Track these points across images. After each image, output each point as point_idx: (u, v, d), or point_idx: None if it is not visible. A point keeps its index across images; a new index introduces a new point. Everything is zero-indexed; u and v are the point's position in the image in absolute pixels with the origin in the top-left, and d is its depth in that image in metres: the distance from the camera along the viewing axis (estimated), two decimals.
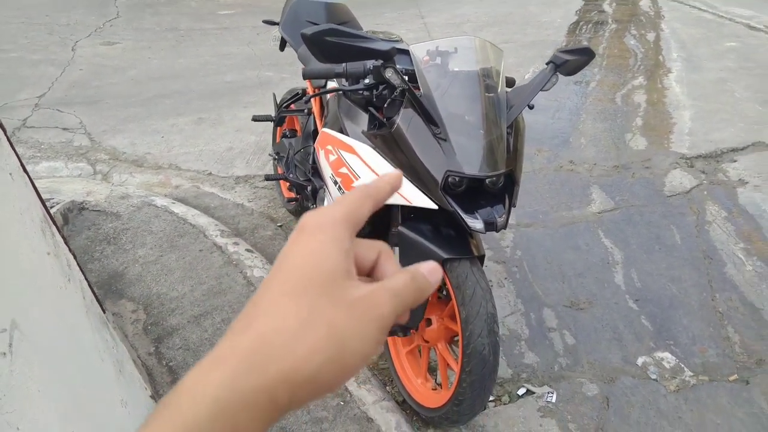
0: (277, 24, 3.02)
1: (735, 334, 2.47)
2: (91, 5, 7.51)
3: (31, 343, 1.13)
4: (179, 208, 3.32)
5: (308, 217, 0.37)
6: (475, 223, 1.72)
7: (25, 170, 1.54)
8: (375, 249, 0.40)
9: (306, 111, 2.89)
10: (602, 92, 5.05)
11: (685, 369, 2.32)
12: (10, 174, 1.39)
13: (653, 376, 2.29)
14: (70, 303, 1.51)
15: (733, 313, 2.57)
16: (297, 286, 0.33)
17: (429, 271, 0.38)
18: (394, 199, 1.83)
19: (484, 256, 1.92)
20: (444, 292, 2.04)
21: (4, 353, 1.02)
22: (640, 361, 2.36)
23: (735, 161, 3.80)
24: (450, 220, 1.88)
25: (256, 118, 3.18)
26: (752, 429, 2.07)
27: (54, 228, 1.62)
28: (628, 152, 3.99)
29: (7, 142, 1.46)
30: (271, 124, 3.43)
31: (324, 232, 0.35)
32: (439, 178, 1.70)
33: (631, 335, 2.47)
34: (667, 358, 2.37)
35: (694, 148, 4.00)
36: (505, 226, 1.76)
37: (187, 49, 6.26)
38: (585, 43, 2.02)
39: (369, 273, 0.40)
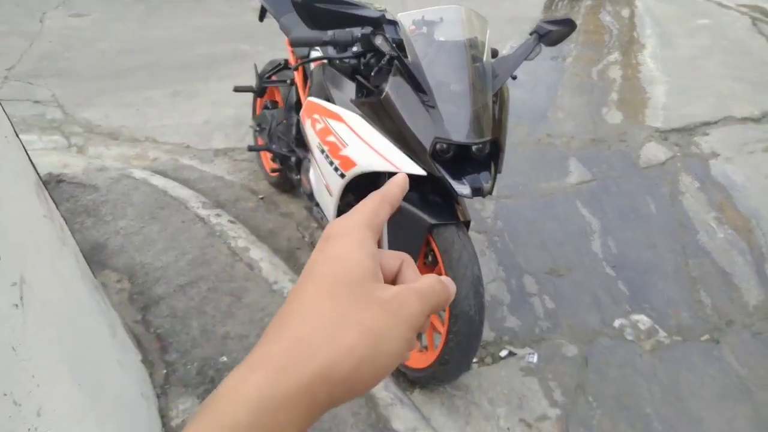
0: None
1: (707, 297, 2.58)
2: None
3: (38, 298, 1.14)
4: (158, 181, 3.30)
5: (332, 226, 0.38)
6: (463, 188, 1.77)
7: (17, 134, 1.53)
8: (398, 258, 0.41)
9: (288, 82, 2.88)
10: (579, 68, 5.12)
11: (660, 330, 2.42)
12: (6, 137, 1.39)
13: (629, 337, 2.38)
14: (67, 265, 1.52)
15: (706, 278, 2.68)
16: (330, 290, 0.34)
17: (448, 280, 0.40)
18: (383, 167, 1.86)
19: (469, 221, 1.97)
20: (430, 258, 2.09)
21: (16, 305, 1.04)
22: (617, 323, 2.45)
23: (707, 134, 3.91)
24: (436, 187, 1.92)
25: (237, 89, 3.16)
26: (721, 383, 2.18)
27: (46, 192, 1.62)
28: (604, 126, 4.07)
29: (0, 107, 1.45)
30: (249, 97, 3.41)
31: (350, 238, 0.37)
32: (428, 144, 1.73)
33: (608, 299, 2.57)
34: (643, 320, 2.46)
35: (668, 122, 4.10)
36: (491, 192, 1.81)
37: (158, 21, 6.13)
38: (567, 16, 2.07)
39: (392, 282, 0.41)
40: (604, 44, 5.65)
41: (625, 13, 6.62)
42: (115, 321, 1.98)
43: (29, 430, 1.04)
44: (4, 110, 1.48)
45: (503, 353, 2.32)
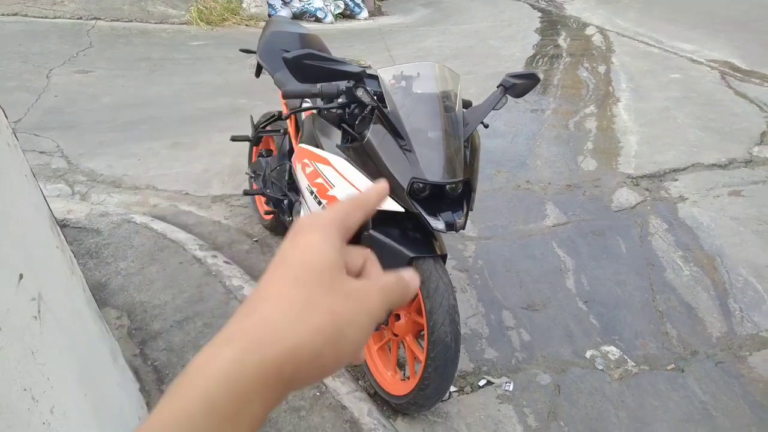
0: (254, 52, 3.25)
1: (673, 329, 2.74)
2: (64, 35, 7.62)
3: (52, 314, 1.31)
4: (158, 225, 3.47)
5: (303, 219, 0.40)
6: (437, 223, 1.95)
7: (34, 175, 1.73)
8: (361, 255, 0.43)
9: (282, 131, 3.11)
10: (557, 119, 5.40)
11: (628, 360, 2.57)
12: (25, 176, 1.58)
13: (600, 367, 2.53)
14: (76, 292, 1.68)
15: (672, 312, 2.85)
16: (298, 276, 0.36)
17: (410, 276, 0.43)
18: None
19: (446, 255, 2.14)
20: None
21: (35, 317, 1.21)
22: (588, 354, 2.60)
23: (676, 180, 4.14)
24: (416, 224, 2.11)
25: (234, 138, 3.38)
26: (685, 409, 2.32)
27: (58, 228, 1.80)
28: (579, 173, 4.31)
29: (20, 150, 1.65)
30: (245, 147, 3.64)
31: (318, 232, 0.39)
32: (405, 184, 1.92)
33: (580, 332, 2.72)
34: (612, 351, 2.62)
35: (639, 168, 4.34)
36: (463, 227, 1.99)
37: (160, 78, 6.43)
38: (532, 70, 2.30)
39: (356, 277, 0.42)
40: (581, 98, 5.95)
41: (602, 69, 6.98)
42: (116, 349, 2.12)
43: (43, 423, 1.18)
44: (23, 153, 1.68)
45: (481, 382, 2.45)
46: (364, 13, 10.58)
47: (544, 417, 2.29)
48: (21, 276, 1.22)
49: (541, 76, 6.62)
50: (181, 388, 0.31)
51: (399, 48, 8.06)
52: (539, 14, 10.98)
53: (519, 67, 7.08)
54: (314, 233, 0.39)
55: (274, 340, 0.33)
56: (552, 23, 10.06)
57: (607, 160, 4.50)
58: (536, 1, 12.52)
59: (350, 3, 10.40)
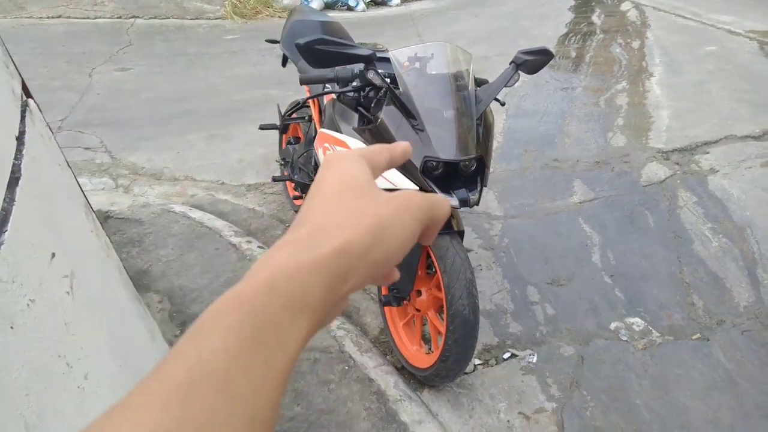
0: (278, 42, 3.34)
1: (699, 300, 2.74)
2: (105, 35, 7.90)
3: (84, 291, 1.43)
4: (196, 214, 3.63)
5: (332, 154, 0.44)
6: (451, 200, 2.01)
7: (68, 165, 1.86)
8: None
9: (307, 118, 3.20)
10: (587, 97, 5.35)
11: (653, 331, 2.58)
12: (59, 165, 1.71)
13: (624, 338, 2.56)
14: (110, 273, 1.81)
15: (698, 283, 2.84)
16: (340, 193, 0.39)
17: (444, 197, 0.50)
18: (382, 184, 2.13)
19: (463, 231, 2.21)
20: (433, 270, 2.33)
21: (68, 292, 1.33)
22: (612, 326, 2.63)
23: (707, 153, 4.08)
24: None
25: (263, 127, 3.49)
26: (709, 377, 2.33)
27: (93, 214, 1.93)
28: (608, 149, 4.28)
29: (55, 141, 1.78)
30: (277, 135, 3.76)
31: (347, 161, 0.42)
32: (418, 163, 1.99)
33: (605, 305, 2.75)
34: (637, 322, 2.64)
35: (670, 142, 4.28)
36: (477, 203, 2.05)
37: (196, 72, 6.60)
38: (545, 45, 2.30)
39: None
40: (612, 74, 5.87)
41: (636, 44, 6.84)
42: (154, 328, 2.26)
43: (78, 387, 1.30)
44: (57, 144, 1.82)
45: (506, 355, 2.51)
46: (396, 0, 10.58)
47: (566, 387, 2.34)
48: (53, 255, 1.34)
49: (573, 54, 6.55)
50: (246, 278, 0.34)
51: (430, 32, 8.06)
52: None
53: (551, 46, 6.99)
54: (343, 162, 0.42)
55: (324, 241, 0.35)
56: (586, 0, 9.86)
57: (637, 136, 4.45)
58: None
59: None
